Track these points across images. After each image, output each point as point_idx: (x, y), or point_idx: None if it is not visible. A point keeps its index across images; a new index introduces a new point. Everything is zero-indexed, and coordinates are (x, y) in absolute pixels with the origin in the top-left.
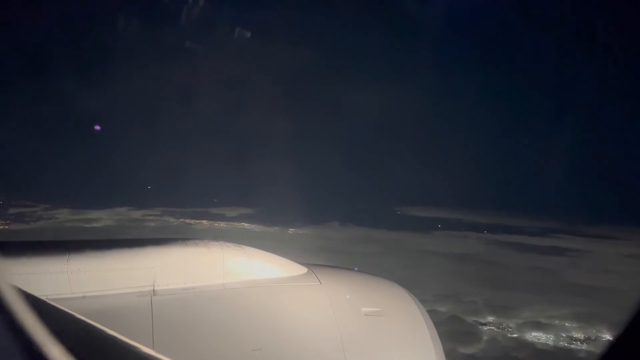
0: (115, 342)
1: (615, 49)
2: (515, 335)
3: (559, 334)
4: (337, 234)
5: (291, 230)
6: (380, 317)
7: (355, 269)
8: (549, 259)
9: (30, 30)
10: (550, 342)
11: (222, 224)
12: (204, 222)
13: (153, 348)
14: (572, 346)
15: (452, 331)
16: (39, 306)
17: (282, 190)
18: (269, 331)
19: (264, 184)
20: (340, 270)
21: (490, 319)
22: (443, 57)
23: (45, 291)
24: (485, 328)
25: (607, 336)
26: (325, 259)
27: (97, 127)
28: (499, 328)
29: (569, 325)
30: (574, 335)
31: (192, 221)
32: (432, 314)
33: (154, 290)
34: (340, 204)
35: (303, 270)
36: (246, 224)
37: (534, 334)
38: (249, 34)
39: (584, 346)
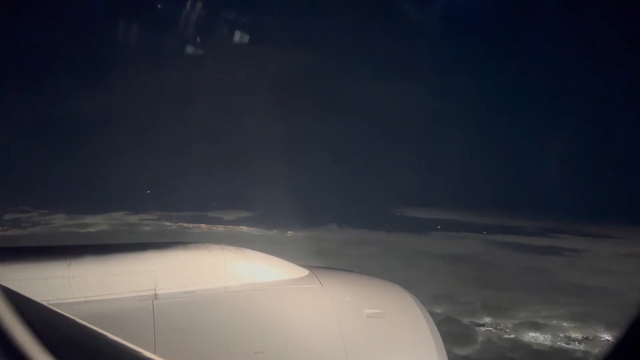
0: (117, 347)
1: (617, 49)
2: (511, 336)
3: (556, 334)
4: (335, 236)
5: (290, 233)
6: (382, 319)
7: (355, 270)
8: (546, 258)
9: (27, 34)
10: (547, 343)
11: (221, 228)
12: (202, 225)
13: (155, 352)
14: (570, 346)
15: (447, 332)
16: (40, 312)
17: (280, 193)
18: (271, 334)
19: (261, 186)
20: (342, 272)
21: (487, 319)
22: (440, 57)
23: (46, 296)
24: (481, 329)
25: (605, 336)
26: (322, 262)
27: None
28: (495, 329)
29: (567, 325)
30: (572, 335)
31: (190, 225)
32: None
33: (155, 294)
34: (339, 206)
35: (304, 272)
36: (244, 227)
37: (531, 334)
38: (248, 37)
39: (582, 346)
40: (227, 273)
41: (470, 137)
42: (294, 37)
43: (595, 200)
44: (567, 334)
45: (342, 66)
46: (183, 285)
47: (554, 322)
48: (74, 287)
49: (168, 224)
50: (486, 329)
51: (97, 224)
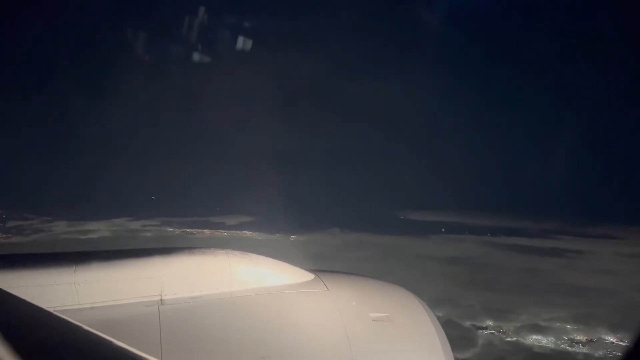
0: (123, 353)
1: (620, 49)
2: (512, 338)
3: (559, 337)
4: (337, 240)
5: (293, 237)
6: (389, 323)
7: (358, 273)
8: (548, 260)
9: (34, 41)
10: (549, 345)
11: (224, 233)
12: (206, 231)
13: (161, 358)
14: (572, 349)
15: (447, 336)
16: (47, 318)
17: (283, 198)
18: (277, 339)
19: (264, 191)
20: (348, 276)
21: (488, 322)
22: (444, 59)
23: (52, 303)
24: (482, 332)
25: (610, 338)
26: (320, 265)
27: None
28: (496, 332)
29: (570, 327)
30: (574, 337)
31: (194, 230)
32: None
33: (161, 299)
34: (343, 210)
35: (310, 276)
36: (248, 232)
37: (533, 337)
38: (251, 42)
39: (585, 349)
40: (233, 278)
41: (473, 140)
42: (297, 41)
43: (598, 201)
44: (571, 336)
45: (345, 70)
46: (189, 291)
47: (557, 324)
48: (80, 293)
49: (171, 229)
50: (487, 332)
51: (99, 230)
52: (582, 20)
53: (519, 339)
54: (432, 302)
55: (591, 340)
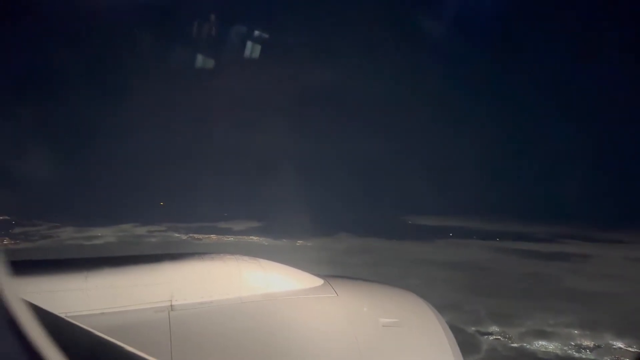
0: (134, 359)
1: (628, 52)
2: (516, 344)
3: (566, 342)
4: (345, 245)
5: (299, 243)
6: (398, 328)
7: (367, 279)
8: (555, 265)
9: (42, 49)
10: (556, 351)
11: (231, 238)
12: (213, 236)
13: None
14: (579, 354)
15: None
16: (58, 324)
17: (290, 203)
18: (287, 344)
19: (271, 196)
20: (357, 281)
21: (492, 328)
22: (452, 65)
23: (64, 308)
24: (486, 338)
25: (618, 343)
26: (322, 270)
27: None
28: (500, 337)
29: (576, 332)
30: (581, 343)
31: (200, 236)
32: None
33: (171, 305)
34: (350, 215)
35: (319, 282)
36: (254, 237)
37: (540, 342)
38: (259, 49)
39: (593, 355)
40: (243, 283)
41: (482, 144)
42: (307, 46)
43: (607, 205)
44: (577, 342)
45: (351, 76)
46: (199, 296)
47: (563, 329)
48: (91, 299)
49: (177, 235)
50: (491, 337)
51: (104, 236)
52: (592, 22)
53: (524, 344)
54: (437, 308)
55: (599, 346)
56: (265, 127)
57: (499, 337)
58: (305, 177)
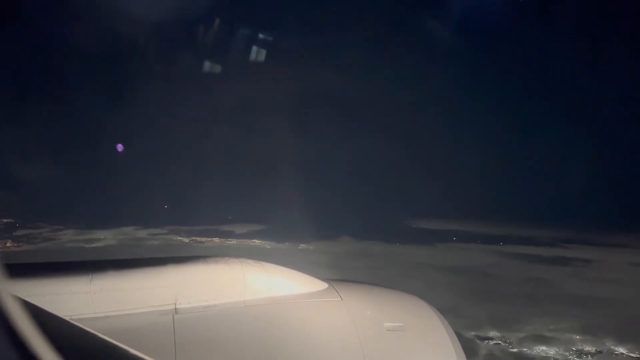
0: None
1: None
2: (516, 349)
3: (567, 347)
4: (347, 249)
5: (302, 246)
6: (403, 332)
7: (372, 282)
8: (557, 269)
9: (46, 51)
10: (557, 357)
11: (233, 241)
12: (215, 239)
13: None
14: None
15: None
16: (62, 326)
17: (293, 206)
18: (290, 348)
19: (274, 199)
20: (361, 285)
21: (491, 333)
22: (457, 69)
23: (68, 311)
24: (484, 343)
25: (620, 349)
26: (331, 274)
27: (119, 148)
28: (499, 342)
29: (577, 338)
30: (582, 348)
31: (203, 239)
32: None
33: (175, 308)
34: (353, 219)
35: (323, 285)
36: (257, 241)
37: (540, 347)
38: (264, 53)
39: None
40: (247, 287)
41: (486, 148)
42: (311, 49)
43: (609, 209)
44: (578, 347)
45: (356, 80)
46: (203, 300)
47: (563, 334)
48: (95, 302)
49: (180, 238)
50: (490, 342)
51: (105, 238)
52: (597, 24)
53: (523, 349)
54: None
55: (600, 352)
56: (267, 131)
57: (499, 341)
58: (308, 180)
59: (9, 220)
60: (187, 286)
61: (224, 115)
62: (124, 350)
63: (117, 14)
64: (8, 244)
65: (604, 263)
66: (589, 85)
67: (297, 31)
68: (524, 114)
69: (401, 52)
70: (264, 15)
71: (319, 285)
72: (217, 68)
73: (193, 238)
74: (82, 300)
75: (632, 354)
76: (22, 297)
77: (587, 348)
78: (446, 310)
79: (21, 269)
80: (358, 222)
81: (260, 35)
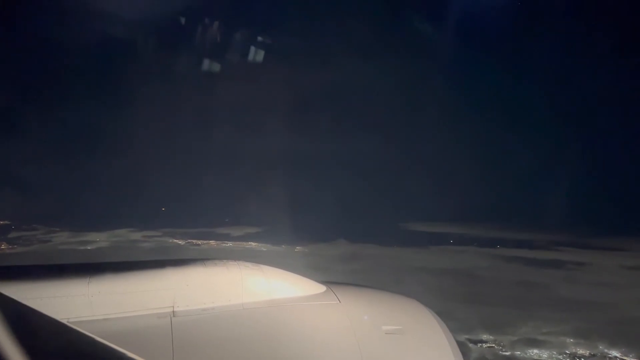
0: None
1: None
2: (508, 352)
3: (560, 351)
4: (341, 251)
5: (298, 249)
6: (401, 335)
7: (364, 285)
8: (550, 272)
9: (39, 52)
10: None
11: (230, 244)
12: (212, 242)
13: None
14: None
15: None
16: (60, 330)
17: (289, 208)
18: (288, 351)
19: (270, 202)
20: (359, 288)
21: (483, 336)
22: (454, 71)
23: (66, 314)
24: (476, 346)
25: (614, 352)
26: (326, 277)
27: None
28: (492, 345)
29: (569, 341)
30: (576, 352)
31: (200, 242)
32: None
33: (173, 311)
34: (350, 221)
35: (322, 288)
36: (253, 243)
37: (533, 351)
38: (259, 53)
39: None
40: (245, 290)
41: (483, 150)
42: (305, 48)
43: (604, 211)
44: (572, 351)
45: (350, 82)
46: (201, 302)
47: (556, 338)
48: (94, 305)
49: (175, 240)
50: (482, 345)
51: (97, 241)
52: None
53: (516, 353)
54: None
55: (594, 355)
56: (263, 133)
57: (492, 345)
58: (304, 182)
59: (4, 222)
60: (185, 289)
61: (219, 117)
62: (121, 354)
63: (112, 15)
64: (2, 246)
65: (598, 266)
66: (582, 89)
67: (296, 31)
68: (518, 117)
69: (395, 54)
70: (260, 15)
71: (317, 288)
72: (211, 68)
73: (189, 240)
74: (80, 303)
75: (625, 357)
76: (20, 300)
77: (581, 351)
78: (439, 314)
79: (19, 272)
80: (355, 225)
81: (257, 36)
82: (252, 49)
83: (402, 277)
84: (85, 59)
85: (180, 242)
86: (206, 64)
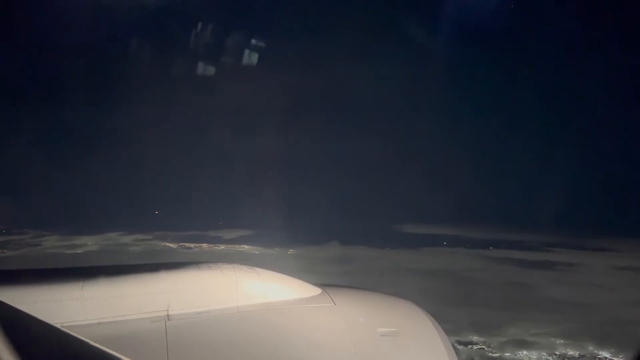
0: None
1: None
2: (497, 354)
3: (549, 352)
4: (333, 253)
5: (291, 251)
6: (397, 337)
7: (360, 287)
8: (540, 273)
9: (34, 54)
10: None
11: (222, 247)
12: (204, 245)
13: None
14: None
15: None
16: (53, 334)
17: (281, 211)
18: (284, 354)
19: (262, 204)
20: (355, 291)
21: (473, 338)
22: (449, 72)
23: (60, 318)
24: (465, 348)
25: (604, 353)
26: (319, 279)
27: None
28: (482, 347)
29: (559, 342)
30: (565, 353)
31: (192, 245)
32: None
33: (168, 315)
34: (343, 224)
35: (317, 291)
36: (246, 246)
37: (522, 352)
38: (254, 57)
39: None
40: (240, 293)
41: (477, 152)
42: (299, 55)
43: (595, 213)
44: (561, 352)
45: (344, 85)
46: (196, 306)
47: (545, 339)
48: (87, 309)
49: (166, 243)
50: (471, 347)
51: (87, 245)
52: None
53: (505, 354)
54: None
55: (583, 356)
56: (256, 136)
57: (481, 346)
58: (297, 185)
59: None
60: (179, 292)
61: (211, 120)
62: (116, 358)
63: (107, 18)
64: None
65: (588, 267)
66: (577, 91)
67: (292, 33)
68: (509, 122)
69: (387, 57)
70: (255, 17)
71: (312, 290)
72: (205, 71)
73: (181, 244)
74: (74, 307)
75: (615, 358)
76: (13, 304)
77: (570, 352)
78: (431, 315)
79: (12, 276)
80: (347, 227)
81: (251, 39)
82: (247, 51)
83: (394, 278)
84: (75, 61)
85: (172, 245)
86: (200, 66)
